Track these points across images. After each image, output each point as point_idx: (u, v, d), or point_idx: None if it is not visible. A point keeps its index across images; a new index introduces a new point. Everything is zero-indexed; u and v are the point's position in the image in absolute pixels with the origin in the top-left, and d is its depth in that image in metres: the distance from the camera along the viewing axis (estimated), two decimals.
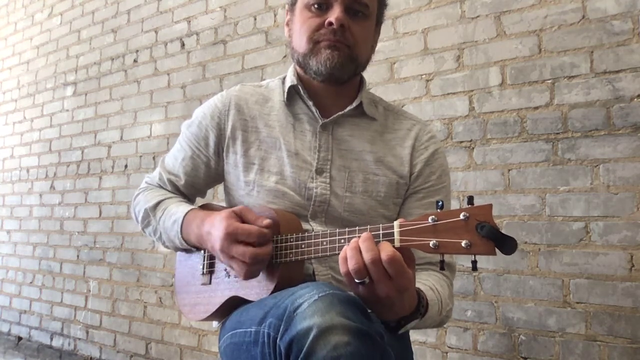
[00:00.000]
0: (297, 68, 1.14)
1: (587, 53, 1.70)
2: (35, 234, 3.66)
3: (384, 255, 0.77)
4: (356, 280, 0.80)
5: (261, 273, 0.99)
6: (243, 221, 0.96)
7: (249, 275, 0.95)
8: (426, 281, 1.01)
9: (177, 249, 1.17)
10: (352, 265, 0.79)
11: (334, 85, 1.09)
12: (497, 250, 0.74)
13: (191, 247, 1.11)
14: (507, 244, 0.73)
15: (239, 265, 0.94)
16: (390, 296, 0.80)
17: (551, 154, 1.74)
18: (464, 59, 1.93)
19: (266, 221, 0.94)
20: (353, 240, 0.82)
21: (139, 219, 1.20)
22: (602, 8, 1.69)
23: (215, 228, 0.97)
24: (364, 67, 1.12)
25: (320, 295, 0.76)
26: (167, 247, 1.18)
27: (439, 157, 1.15)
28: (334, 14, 1.02)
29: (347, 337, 0.70)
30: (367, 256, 0.78)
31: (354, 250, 0.80)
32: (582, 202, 1.67)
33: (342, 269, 0.81)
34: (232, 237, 0.93)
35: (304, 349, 0.71)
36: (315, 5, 1.05)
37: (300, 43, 1.08)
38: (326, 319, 0.72)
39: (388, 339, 0.81)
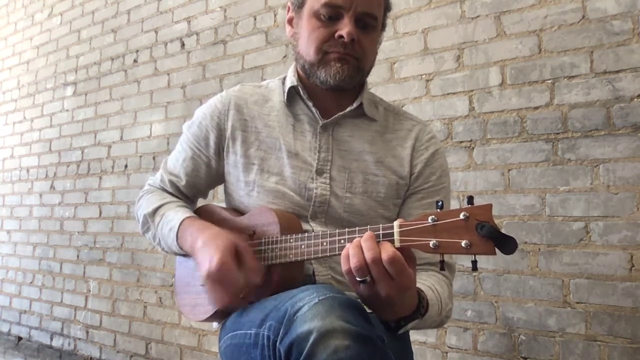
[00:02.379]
0: (300, 71, 1.13)
1: (587, 53, 1.70)
2: (35, 234, 3.66)
3: (384, 256, 0.77)
4: (357, 279, 0.80)
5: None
6: (239, 259, 0.93)
7: (215, 308, 1.01)
8: (426, 281, 1.01)
9: (176, 254, 1.17)
10: (353, 263, 0.79)
11: (338, 92, 1.09)
12: (497, 250, 0.74)
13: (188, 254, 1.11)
14: (507, 244, 0.73)
15: (210, 300, 1.00)
16: (390, 295, 0.80)
17: (551, 154, 1.74)
18: (464, 59, 1.93)
19: (258, 278, 0.94)
20: (355, 239, 0.82)
21: (140, 223, 1.20)
22: (602, 8, 1.68)
23: (208, 253, 0.94)
24: (368, 75, 1.13)
25: (320, 298, 0.76)
26: (166, 252, 1.18)
27: (439, 157, 1.15)
28: (345, 28, 1.01)
29: (347, 340, 0.70)
30: (368, 255, 0.78)
31: (356, 248, 0.80)
32: (582, 202, 1.67)
33: (343, 267, 0.81)
34: (219, 277, 0.91)
35: (304, 352, 0.71)
36: (326, 16, 1.03)
37: (308, 51, 1.06)
38: (326, 323, 0.72)
39: (388, 340, 0.81)
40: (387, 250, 0.78)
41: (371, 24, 1.05)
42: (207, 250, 0.94)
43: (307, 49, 1.07)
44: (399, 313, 0.87)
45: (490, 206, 0.76)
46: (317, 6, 1.04)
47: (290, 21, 1.14)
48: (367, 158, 1.11)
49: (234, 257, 0.92)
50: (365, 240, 0.80)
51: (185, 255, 1.15)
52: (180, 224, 1.07)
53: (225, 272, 0.91)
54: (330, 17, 1.03)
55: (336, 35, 1.02)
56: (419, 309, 0.90)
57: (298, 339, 0.73)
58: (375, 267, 0.78)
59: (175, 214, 1.10)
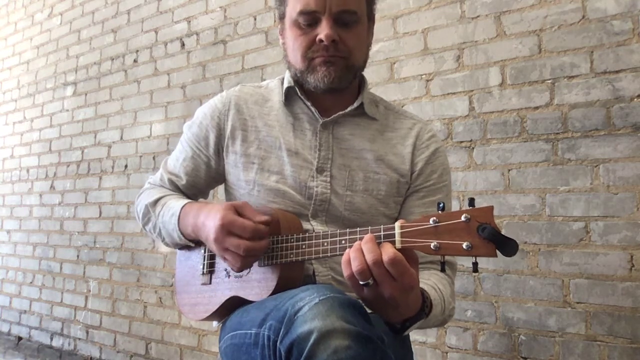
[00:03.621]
0: (295, 79, 1.14)
1: (587, 53, 1.70)
2: (35, 234, 3.66)
3: (385, 257, 0.77)
4: (360, 283, 0.80)
5: (261, 273, 0.99)
6: (240, 215, 0.95)
7: (242, 267, 0.95)
8: (428, 280, 1.01)
9: (176, 244, 1.17)
10: (355, 266, 0.79)
11: (334, 93, 1.10)
12: (498, 252, 0.74)
13: (188, 242, 1.11)
14: (508, 246, 0.73)
15: (232, 256, 0.94)
16: (394, 296, 0.79)
17: (551, 154, 1.74)
18: (464, 59, 1.93)
19: (264, 217, 0.94)
20: (356, 242, 0.82)
21: (140, 215, 1.20)
22: (602, 8, 1.69)
23: (210, 218, 0.97)
24: (362, 69, 1.13)
25: (321, 298, 0.76)
26: (166, 244, 1.18)
27: (440, 155, 1.16)
28: (324, 31, 1.02)
29: (347, 341, 0.70)
30: (369, 257, 0.78)
31: (357, 252, 0.80)
32: (582, 202, 1.67)
33: (345, 272, 0.81)
34: (226, 229, 0.93)
35: (305, 352, 0.71)
36: (304, 23, 1.04)
37: (295, 60, 1.08)
38: (327, 323, 0.72)
39: (388, 340, 0.81)
40: (388, 252, 0.78)
41: (351, 19, 1.05)
42: (209, 221, 0.97)
43: (294, 57, 1.08)
44: (404, 314, 0.87)
45: (491, 208, 0.76)
46: (295, 15, 1.05)
47: (281, 33, 1.16)
48: (368, 156, 1.11)
49: (234, 211, 0.95)
50: (365, 242, 0.80)
51: (185, 247, 1.16)
52: (182, 208, 1.08)
53: (229, 223, 0.93)
54: (308, 23, 1.04)
55: (317, 39, 1.03)
56: (423, 309, 0.89)
57: (299, 339, 0.73)
58: (376, 269, 0.78)
59: (177, 202, 1.12)
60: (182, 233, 1.09)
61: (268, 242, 0.95)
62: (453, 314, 1.08)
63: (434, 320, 0.97)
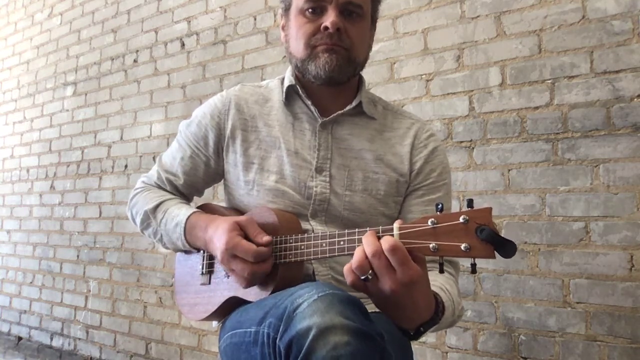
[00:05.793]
0: (296, 72, 1.14)
1: (587, 53, 1.70)
2: (35, 234, 3.66)
3: (385, 245, 0.76)
4: (361, 278, 0.79)
5: None
6: (245, 234, 0.96)
7: (247, 286, 0.98)
8: (435, 282, 1.00)
9: (178, 250, 1.17)
10: (354, 261, 0.79)
11: (334, 87, 1.09)
12: (496, 253, 0.74)
13: (193, 250, 1.12)
14: (506, 248, 0.73)
15: (237, 277, 0.97)
16: (395, 291, 0.78)
17: (551, 154, 1.74)
18: (464, 59, 1.93)
19: (265, 238, 0.95)
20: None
21: (138, 220, 1.20)
22: (602, 8, 1.68)
23: (217, 238, 0.98)
24: (362, 67, 1.12)
25: (319, 295, 0.76)
26: (167, 248, 1.18)
27: (439, 154, 1.15)
28: (329, 18, 1.02)
29: (346, 337, 0.70)
30: (368, 250, 0.78)
31: (357, 249, 0.80)
32: (582, 202, 1.67)
33: (348, 279, 0.80)
34: (231, 252, 0.95)
35: (304, 349, 0.71)
36: (310, 10, 1.05)
37: (298, 48, 1.08)
38: (326, 319, 0.72)
39: (388, 338, 0.80)
40: (388, 240, 0.77)
41: (356, 11, 1.06)
42: (216, 239, 0.99)
43: (297, 46, 1.08)
44: (416, 318, 0.86)
45: (490, 209, 0.76)
46: (301, 3, 1.06)
47: (283, 27, 1.16)
48: (367, 156, 1.11)
49: (239, 231, 0.96)
50: (366, 237, 0.80)
51: (187, 252, 1.16)
52: (187, 219, 1.08)
53: (233, 247, 0.94)
54: (314, 11, 1.05)
55: (322, 27, 1.03)
56: (437, 314, 0.88)
57: (298, 335, 0.73)
58: (376, 260, 0.77)
59: (179, 210, 1.12)
60: (188, 243, 1.09)
61: (271, 263, 0.97)
62: (462, 315, 1.07)
63: (445, 323, 0.96)
